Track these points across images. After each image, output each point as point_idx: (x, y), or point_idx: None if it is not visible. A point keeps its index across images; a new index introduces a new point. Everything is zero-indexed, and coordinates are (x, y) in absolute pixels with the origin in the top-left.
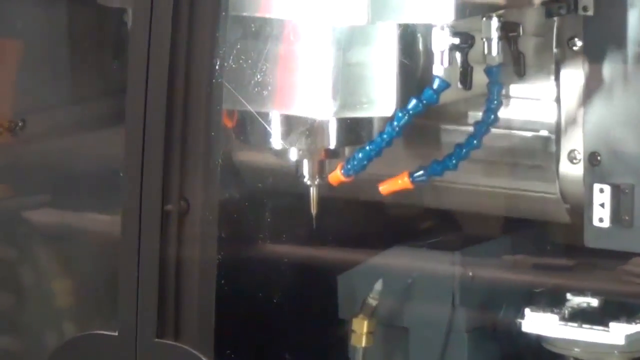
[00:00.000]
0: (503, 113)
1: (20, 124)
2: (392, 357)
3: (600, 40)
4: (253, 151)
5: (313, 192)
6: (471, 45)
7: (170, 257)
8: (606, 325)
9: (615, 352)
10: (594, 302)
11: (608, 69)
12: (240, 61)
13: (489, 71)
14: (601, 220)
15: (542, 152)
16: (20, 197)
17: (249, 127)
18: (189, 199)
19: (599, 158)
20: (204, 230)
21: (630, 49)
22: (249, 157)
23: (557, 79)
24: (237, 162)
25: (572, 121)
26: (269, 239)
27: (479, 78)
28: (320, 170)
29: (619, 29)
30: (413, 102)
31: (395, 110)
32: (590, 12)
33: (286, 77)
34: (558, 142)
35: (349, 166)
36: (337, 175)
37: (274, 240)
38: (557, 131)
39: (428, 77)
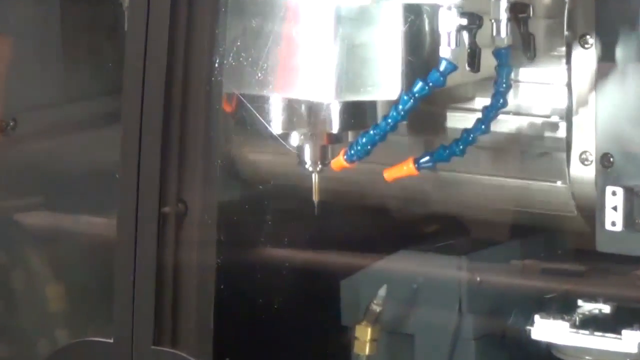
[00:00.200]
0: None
1: (11, 124)
2: None
3: (613, 32)
4: (254, 151)
5: (315, 178)
6: (479, 26)
7: (167, 261)
8: (619, 332)
9: None
10: (606, 308)
11: (621, 66)
12: (239, 43)
13: (497, 53)
14: (614, 223)
15: (551, 139)
16: (11, 199)
17: (249, 111)
18: (187, 201)
19: (611, 159)
20: (203, 234)
21: None
22: (249, 157)
23: (568, 62)
24: (237, 162)
25: (583, 112)
26: (270, 243)
27: (488, 63)
28: (323, 157)
29: (635, 14)
30: (419, 84)
31: (401, 93)
32: None
33: (287, 58)
34: (570, 129)
35: (352, 152)
36: (339, 161)
37: (274, 244)
38: (568, 118)
39: (434, 59)
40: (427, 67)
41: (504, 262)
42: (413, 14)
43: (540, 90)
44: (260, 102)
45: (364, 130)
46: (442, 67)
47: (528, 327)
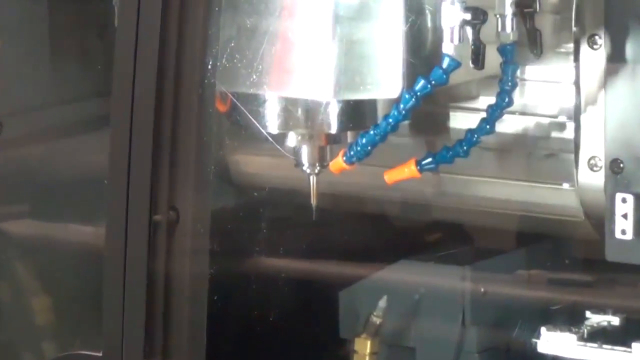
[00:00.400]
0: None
1: None
2: None
3: (623, 31)
4: (249, 155)
5: (313, 181)
6: (484, 21)
7: (158, 271)
8: (628, 345)
9: None
10: (615, 320)
11: (631, 68)
12: (234, 40)
13: (502, 50)
14: (624, 232)
15: (559, 140)
16: None
17: (243, 112)
18: (179, 209)
19: (621, 165)
20: (195, 242)
21: None
22: (244, 164)
23: (576, 59)
24: (231, 169)
25: (592, 112)
26: (265, 252)
27: (493, 60)
28: (321, 158)
29: None
30: (421, 82)
31: (402, 91)
32: None
33: (284, 55)
34: (578, 129)
35: (351, 153)
36: (338, 163)
37: (270, 253)
38: (576, 118)
39: (437, 56)
40: (429, 64)
41: (509, 272)
42: (414, 8)
43: (547, 89)
44: (256, 102)
45: (364, 130)
46: (445, 64)
47: (534, 340)
